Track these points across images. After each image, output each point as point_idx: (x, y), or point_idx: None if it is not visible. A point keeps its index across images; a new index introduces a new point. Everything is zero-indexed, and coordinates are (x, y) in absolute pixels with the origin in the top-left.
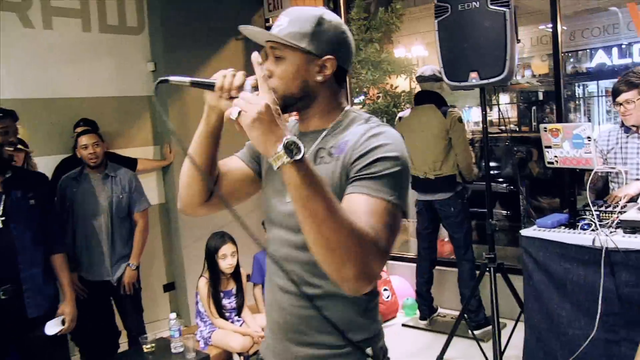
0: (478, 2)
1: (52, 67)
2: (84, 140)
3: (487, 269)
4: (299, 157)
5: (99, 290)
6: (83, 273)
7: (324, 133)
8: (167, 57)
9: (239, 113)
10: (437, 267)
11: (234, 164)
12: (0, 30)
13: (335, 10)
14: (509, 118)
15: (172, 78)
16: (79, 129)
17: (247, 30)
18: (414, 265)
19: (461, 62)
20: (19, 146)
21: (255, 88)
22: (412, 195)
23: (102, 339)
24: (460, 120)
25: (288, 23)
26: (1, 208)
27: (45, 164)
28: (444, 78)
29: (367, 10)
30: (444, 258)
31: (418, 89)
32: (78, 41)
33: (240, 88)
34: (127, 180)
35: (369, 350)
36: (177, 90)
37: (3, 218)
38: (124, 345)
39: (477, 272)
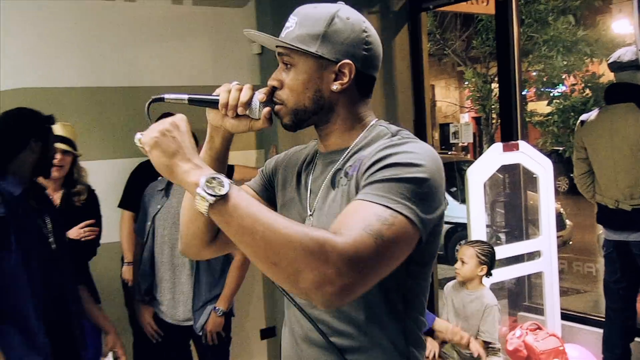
0: None
1: (132, 49)
2: None
3: None
4: (223, 192)
5: (177, 334)
6: (160, 312)
7: (345, 153)
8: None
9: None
10: (637, 340)
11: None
12: (74, 5)
13: None
14: None
15: (167, 96)
16: None
17: (253, 35)
18: (602, 332)
19: None
20: (63, 146)
21: (266, 104)
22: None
23: None
24: None
25: (297, 24)
26: (51, 229)
27: (117, 169)
28: None
29: None
30: None
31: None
32: (166, 16)
33: (248, 104)
34: None
35: None
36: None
37: (54, 241)
38: None
39: None
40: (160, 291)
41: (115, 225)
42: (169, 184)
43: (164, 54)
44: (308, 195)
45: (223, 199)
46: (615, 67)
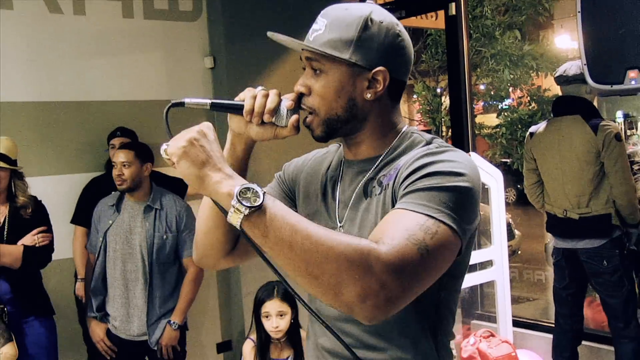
0: None
1: (83, 63)
2: (115, 156)
3: None
4: (258, 202)
5: (132, 349)
6: (113, 328)
7: (377, 161)
8: (230, 49)
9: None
10: (585, 343)
11: None
12: (22, 17)
13: None
14: None
15: (188, 100)
16: (115, 141)
17: (278, 37)
18: (552, 337)
19: (614, 55)
20: (1, 164)
21: (293, 111)
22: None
23: None
24: (618, 137)
25: (326, 27)
26: None
27: (70, 184)
28: (587, 78)
29: None
30: (598, 330)
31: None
32: (117, 30)
33: (275, 111)
34: (175, 215)
35: None
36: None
37: None
38: None
39: None
40: (114, 306)
41: (67, 241)
42: (120, 200)
43: (116, 68)
44: (337, 206)
45: (259, 209)
46: (561, 80)
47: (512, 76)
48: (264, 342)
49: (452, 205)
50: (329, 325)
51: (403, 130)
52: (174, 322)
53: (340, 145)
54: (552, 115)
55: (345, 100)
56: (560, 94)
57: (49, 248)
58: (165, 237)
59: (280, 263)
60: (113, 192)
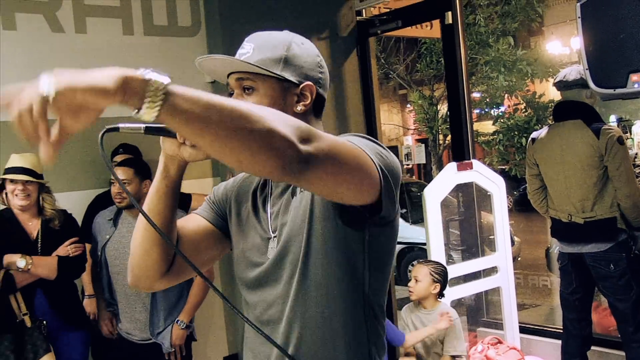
0: None
1: None
2: (117, 173)
3: None
4: (167, 79)
5: (141, 356)
6: (125, 334)
7: None
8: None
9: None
10: (594, 348)
11: (195, 224)
12: (25, 37)
13: None
14: None
15: (122, 125)
16: (118, 158)
17: (206, 61)
18: (558, 342)
19: (616, 59)
20: (23, 177)
21: None
22: (555, 246)
23: None
24: (620, 141)
25: (254, 49)
26: None
27: (75, 201)
28: (590, 82)
29: None
30: (607, 335)
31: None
32: (118, 47)
33: None
34: None
35: None
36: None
37: None
38: None
39: None
40: (121, 317)
41: None
42: (118, 214)
43: None
44: (269, 217)
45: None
46: (561, 85)
47: (506, 82)
48: None
49: (377, 154)
50: (258, 327)
51: None
52: (181, 322)
53: None
54: (550, 120)
55: None
56: (555, 99)
57: (81, 258)
58: None
59: (210, 140)
60: (111, 207)
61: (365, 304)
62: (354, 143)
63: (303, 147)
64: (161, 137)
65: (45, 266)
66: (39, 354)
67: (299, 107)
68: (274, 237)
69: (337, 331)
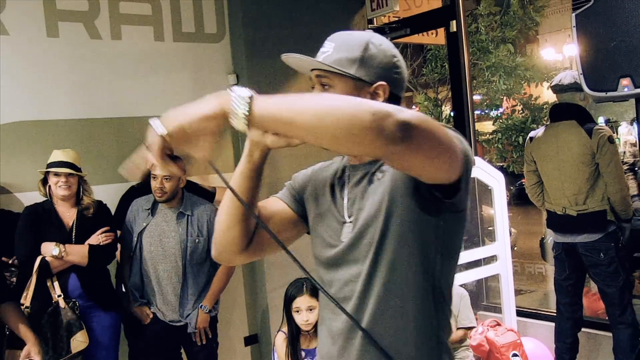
0: None
1: (120, 83)
2: (156, 169)
3: None
4: (248, 92)
5: (169, 337)
6: (159, 312)
7: (379, 162)
8: (251, 67)
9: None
10: (584, 330)
11: (275, 207)
12: (66, 43)
13: (453, 4)
14: None
15: None
16: None
17: (290, 58)
18: (554, 325)
19: (608, 65)
20: (66, 170)
21: None
22: (550, 236)
23: None
24: (610, 140)
25: (334, 49)
26: None
27: (109, 193)
28: (584, 86)
29: (499, 4)
30: (596, 318)
31: None
32: (149, 52)
33: None
34: (207, 220)
35: None
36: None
37: None
38: None
39: None
40: (152, 300)
41: None
42: (155, 204)
43: (148, 86)
44: (345, 203)
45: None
46: (557, 89)
47: (505, 86)
48: (294, 334)
49: (461, 141)
50: (341, 306)
51: None
52: (204, 306)
53: (343, 157)
54: (546, 121)
55: None
56: (550, 101)
57: (112, 246)
58: (197, 240)
59: (301, 122)
60: (147, 195)
61: (435, 288)
62: (434, 122)
63: (401, 115)
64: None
65: (77, 254)
66: (72, 332)
67: None
68: (350, 221)
69: (407, 312)
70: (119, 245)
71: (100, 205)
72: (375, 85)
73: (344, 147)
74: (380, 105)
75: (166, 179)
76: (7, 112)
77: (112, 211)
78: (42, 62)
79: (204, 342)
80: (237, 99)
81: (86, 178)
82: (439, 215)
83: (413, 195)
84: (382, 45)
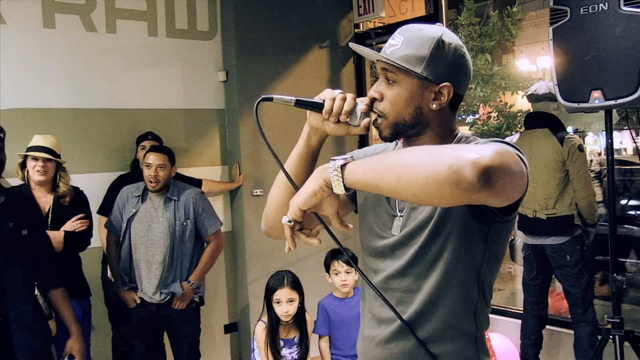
0: (607, 4)
1: (113, 75)
2: (150, 158)
3: (611, 336)
4: (341, 163)
5: (156, 321)
6: (144, 295)
7: None
8: (241, 65)
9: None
10: (548, 327)
11: None
12: (62, 35)
13: (437, 13)
14: None
15: (276, 96)
16: (146, 143)
17: (359, 48)
18: (520, 322)
19: (581, 78)
20: (44, 154)
21: (365, 114)
22: (519, 238)
23: None
24: (580, 148)
25: (402, 44)
26: None
27: (99, 181)
28: (558, 97)
29: (479, 15)
30: (560, 316)
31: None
32: (143, 46)
33: (351, 113)
34: (192, 204)
35: None
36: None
37: None
38: None
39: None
40: (139, 282)
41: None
42: (145, 191)
43: (141, 79)
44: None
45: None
46: (532, 98)
47: (482, 93)
48: (274, 324)
49: (523, 161)
50: (383, 296)
51: (458, 135)
52: (192, 282)
53: (397, 142)
54: (520, 128)
55: (413, 108)
56: (524, 109)
57: (87, 233)
58: (185, 223)
59: (387, 184)
60: (137, 183)
61: (478, 288)
62: (506, 149)
63: (481, 163)
64: (308, 111)
65: (53, 240)
66: None
67: (434, 105)
68: (400, 216)
69: (450, 310)
70: (103, 233)
71: (77, 192)
72: (440, 85)
73: (427, 201)
74: (458, 155)
75: (160, 167)
76: (7, 99)
77: (102, 198)
78: (38, 52)
79: (183, 308)
80: (333, 171)
81: (65, 165)
82: (490, 226)
83: (471, 206)
84: (453, 44)
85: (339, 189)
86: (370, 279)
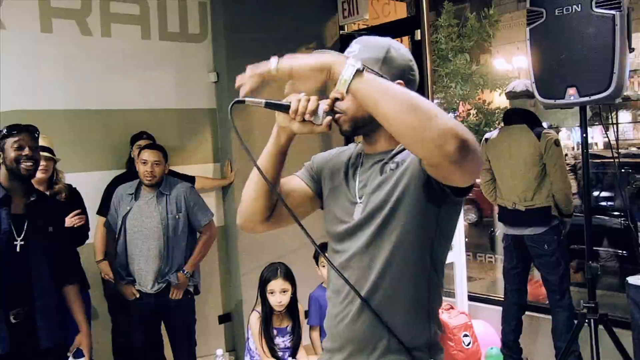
0: (580, 6)
1: (108, 77)
2: (145, 155)
3: (587, 320)
4: (360, 67)
5: (153, 312)
6: (142, 288)
7: (391, 153)
8: (231, 67)
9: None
10: (528, 313)
11: (295, 184)
12: (59, 39)
13: (418, 15)
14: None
15: (248, 99)
16: (141, 142)
17: (323, 54)
18: (501, 309)
19: (557, 76)
20: (46, 154)
21: (328, 113)
22: (499, 229)
23: None
24: (557, 143)
25: (360, 50)
26: (23, 233)
27: (96, 180)
28: (536, 94)
29: (458, 17)
30: (538, 303)
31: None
32: (137, 49)
33: (314, 112)
34: (184, 197)
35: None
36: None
37: (22, 242)
38: None
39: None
40: (137, 276)
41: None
42: (138, 189)
43: (135, 81)
44: (357, 184)
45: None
46: (510, 95)
47: (462, 91)
48: (268, 314)
49: None
50: (343, 275)
51: None
52: (186, 271)
53: (358, 143)
54: (498, 124)
55: None
56: (502, 106)
57: (84, 228)
58: (177, 217)
59: (385, 105)
60: (131, 182)
61: (431, 264)
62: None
63: (464, 136)
64: (276, 112)
65: None
66: None
67: None
68: (360, 202)
69: (404, 285)
70: (99, 234)
71: (71, 189)
72: (395, 82)
73: (409, 138)
74: (455, 121)
75: (156, 163)
76: (6, 100)
77: (100, 196)
78: (36, 56)
79: (179, 297)
80: (349, 67)
81: (61, 163)
82: (442, 206)
83: (424, 188)
84: (400, 50)
85: (342, 86)
86: (334, 261)
